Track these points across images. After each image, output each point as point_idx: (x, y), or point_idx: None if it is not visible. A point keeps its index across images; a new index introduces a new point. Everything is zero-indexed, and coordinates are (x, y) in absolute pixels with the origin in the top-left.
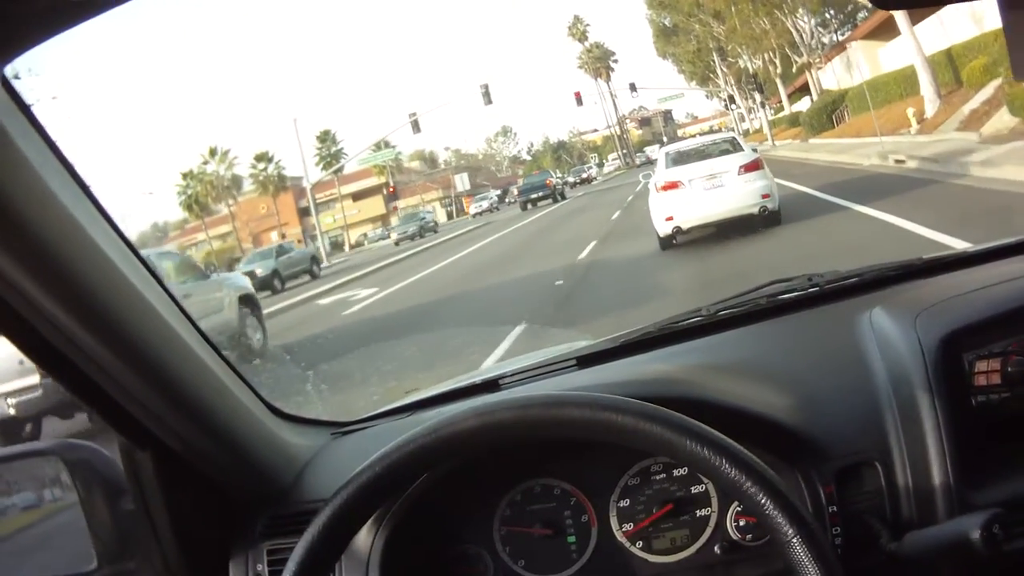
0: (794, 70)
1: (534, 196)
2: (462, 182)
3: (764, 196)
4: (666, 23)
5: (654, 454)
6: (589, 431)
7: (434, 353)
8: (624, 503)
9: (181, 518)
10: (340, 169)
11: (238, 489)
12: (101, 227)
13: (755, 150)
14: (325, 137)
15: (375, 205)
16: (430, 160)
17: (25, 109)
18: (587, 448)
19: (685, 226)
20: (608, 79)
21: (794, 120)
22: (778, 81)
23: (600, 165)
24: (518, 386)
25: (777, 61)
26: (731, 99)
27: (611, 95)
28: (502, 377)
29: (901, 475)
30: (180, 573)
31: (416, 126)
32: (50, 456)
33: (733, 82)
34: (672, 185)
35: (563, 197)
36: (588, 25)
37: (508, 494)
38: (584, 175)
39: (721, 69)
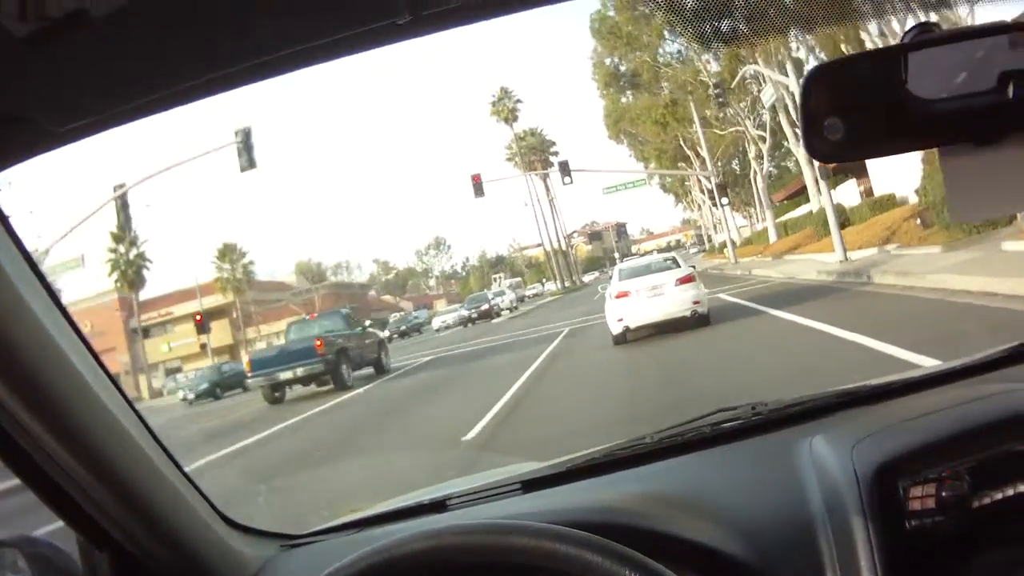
0: None
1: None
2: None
3: (695, 303)
4: (620, 69)
5: None
6: (533, 558)
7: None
8: None
9: None
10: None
11: None
12: (69, 337)
13: (693, 267)
14: (121, 237)
15: (223, 331)
16: (315, 275)
17: (3, 220)
18: (533, 572)
19: (632, 325)
20: (545, 177)
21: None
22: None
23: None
24: (464, 508)
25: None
26: (721, 188)
27: (549, 197)
28: (449, 498)
29: None
30: None
31: (123, 209)
32: (11, 548)
33: (714, 170)
34: (623, 294)
35: (345, 385)
36: (519, 102)
37: None
38: (484, 306)
39: (700, 149)
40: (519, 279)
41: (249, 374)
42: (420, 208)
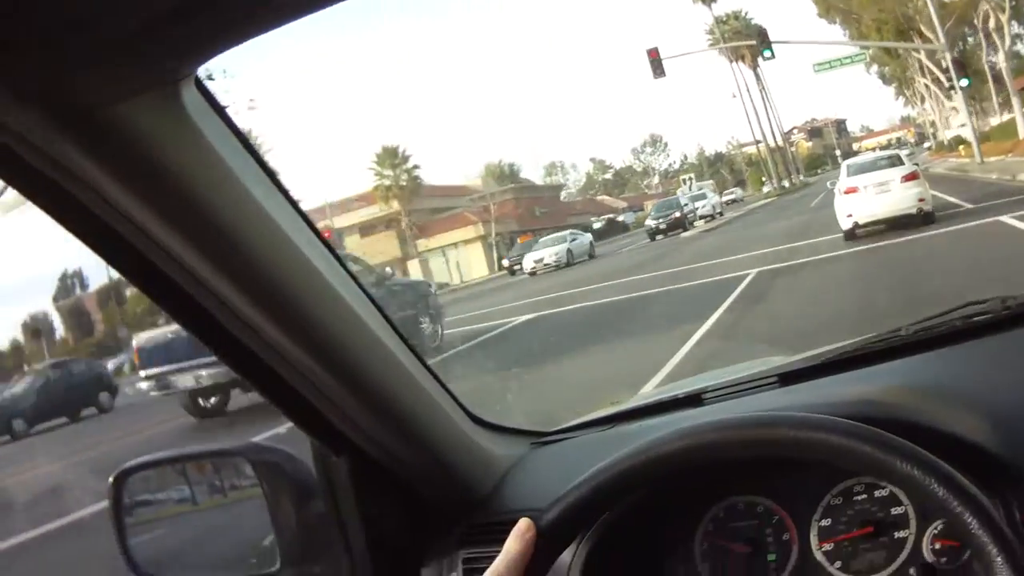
0: None
1: None
2: None
3: (920, 200)
4: None
5: (862, 474)
6: (801, 451)
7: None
8: (826, 522)
9: (374, 524)
10: None
11: (435, 497)
12: (302, 231)
13: (916, 164)
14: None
15: (389, 243)
16: (507, 178)
17: (220, 111)
18: (790, 466)
19: (860, 221)
20: (755, 65)
21: None
22: None
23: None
24: (720, 402)
25: None
26: (959, 65)
27: (761, 88)
28: (704, 391)
29: None
30: None
31: None
32: (238, 457)
33: (946, 43)
34: (852, 190)
35: None
36: None
37: (711, 510)
38: (675, 214)
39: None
40: (712, 181)
41: (140, 371)
42: (637, 104)
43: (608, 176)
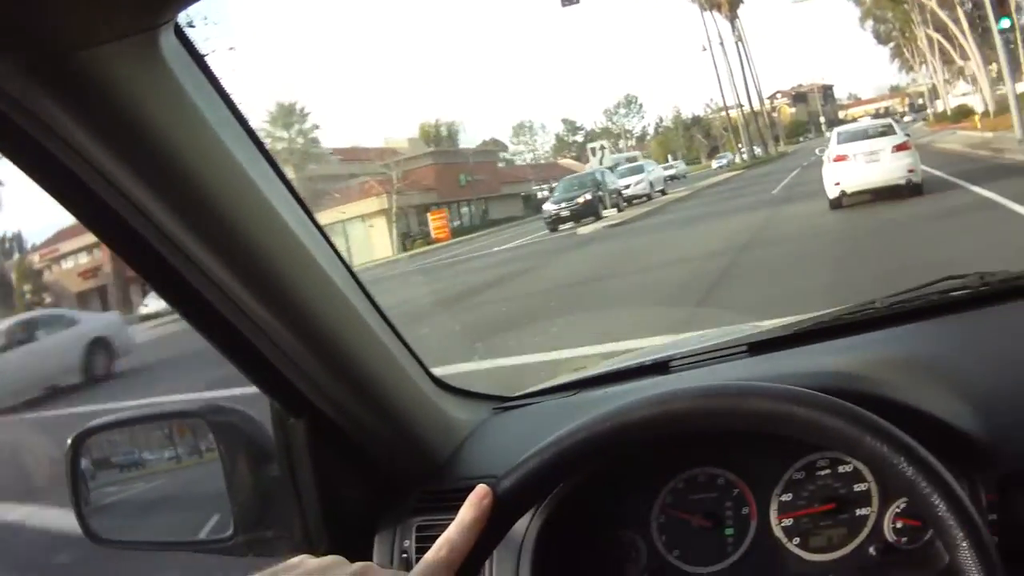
0: None
1: None
2: None
3: (910, 171)
4: None
5: (830, 449)
6: (769, 423)
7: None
8: (786, 497)
9: (329, 489)
10: None
11: (392, 462)
12: (274, 185)
13: (907, 134)
14: None
15: None
16: (443, 140)
17: (199, 60)
18: (754, 439)
19: (848, 191)
20: (732, 15)
21: None
22: None
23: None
24: (688, 371)
25: None
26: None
27: (737, 41)
28: (671, 359)
29: None
30: (321, 545)
31: None
32: (196, 418)
33: None
34: (841, 158)
35: None
36: None
37: (671, 481)
38: (584, 197)
39: None
40: (637, 153)
41: None
42: (611, 63)
43: (579, 138)
